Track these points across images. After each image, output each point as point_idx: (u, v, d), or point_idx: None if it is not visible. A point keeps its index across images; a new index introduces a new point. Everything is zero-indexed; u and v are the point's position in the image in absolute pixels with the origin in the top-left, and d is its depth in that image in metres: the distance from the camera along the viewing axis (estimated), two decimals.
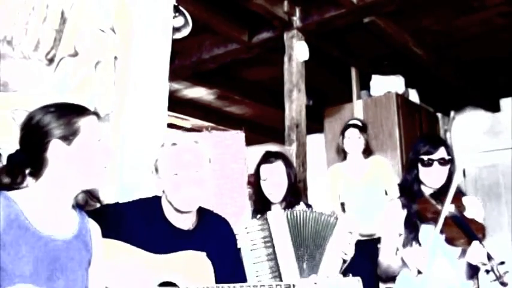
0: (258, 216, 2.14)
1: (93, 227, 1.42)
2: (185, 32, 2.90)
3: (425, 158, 2.01)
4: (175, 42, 2.41)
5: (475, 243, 1.83)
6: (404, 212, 2.05)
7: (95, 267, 1.39)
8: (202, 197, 1.62)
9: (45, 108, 1.33)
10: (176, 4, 2.54)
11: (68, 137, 1.30)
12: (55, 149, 1.29)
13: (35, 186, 1.31)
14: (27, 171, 1.32)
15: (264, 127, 6.48)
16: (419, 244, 1.93)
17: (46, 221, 1.28)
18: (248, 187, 3.76)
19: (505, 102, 5.89)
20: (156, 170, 1.63)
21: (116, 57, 2.03)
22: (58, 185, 1.30)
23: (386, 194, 3.42)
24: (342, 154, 3.50)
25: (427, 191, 2.05)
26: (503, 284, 1.77)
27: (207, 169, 1.63)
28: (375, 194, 3.37)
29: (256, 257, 1.89)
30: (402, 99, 4.83)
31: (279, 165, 2.31)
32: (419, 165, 2.03)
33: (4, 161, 1.54)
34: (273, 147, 2.62)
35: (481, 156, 5.78)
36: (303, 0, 3.73)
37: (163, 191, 1.63)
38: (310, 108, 4.41)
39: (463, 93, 5.45)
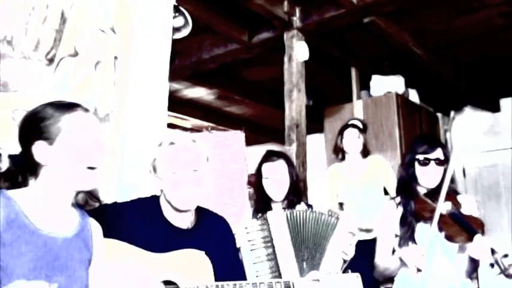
0: (258, 216, 2.14)
1: (94, 226, 1.42)
2: (185, 32, 2.91)
3: (422, 157, 2.02)
4: (175, 42, 2.41)
5: (478, 237, 1.82)
6: (400, 212, 2.05)
7: (95, 266, 1.39)
8: (201, 195, 1.62)
9: (32, 110, 1.34)
10: (176, 4, 2.54)
11: (50, 137, 1.29)
12: (38, 150, 1.29)
13: (34, 185, 1.31)
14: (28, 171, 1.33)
15: (264, 127, 6.48)
16: (416, 243, 1.93)
17: (46, 219, 1.28)
18: (248, 187, 3.77)
19: (505, 102, 5.89)
20: (154, 169, 1.63)
21: (116, 57, 2.03)
22: (51, 185, 1.30)
23: (385, 193, 3.42)
24: (340, 154, 3.51)
25: (421, 190, 2.06)
26: (509, 276, 1.75)
27: (205, 168, 1.64)
28: (374, 194, 3.38)
29: (256, 257, 1.89)
30: (402, 99, 4.83)
31: (281, 163, 2.31)
32: (416, 164, 2.04)
33: (4, 161, 1.54)
34: (273, 147, 2.62)
35: (481, 156, 5.78)
36: (303, 0, 3.73)
37: (162, 190, 1.63)
38: (310, 108, 4.41)
39: (463, 93, 5.45)
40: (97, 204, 1.81)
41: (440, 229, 1.91)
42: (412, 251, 1.85)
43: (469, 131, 5.84)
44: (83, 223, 1.38)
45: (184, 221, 1.64)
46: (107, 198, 1.84)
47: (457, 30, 4.14)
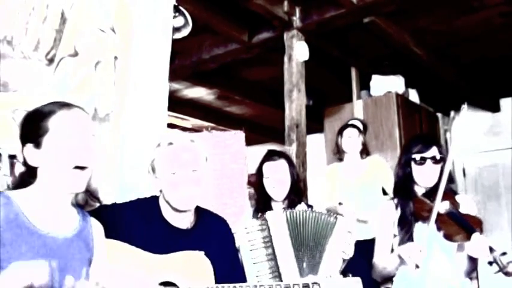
0: (258, 216, 2.14)
1: (96, 226, 1.42)
2: (185, 32, 2.90)
3: (417, 156, 2.02)
4: (175, 42, 2.41)
5: (476, 235, 1.82)
6: (398, 213, 2.05)
7: (97, 266, 1.39)
8: (200, 196, 1.62)
9: (25, 114, 1.35)
10: (176, 4, 2.54)
11: (37, 140, 1.29)
12: (27, 152, 1.30)
13: (33, 186, 1.32)
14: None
15: (264, 127, 6.48)
16: None
17: (45, 219, 1.28)
18: (248, 187, 3.76)
19: (505, 102, 5.89)
20: (153, 169, 1.63)
21: (116, 57, 2.03)
22: (45, 186, 1.30)
23: (384, 193, 3.42)
24: (339, 154, 3.51)
25: (419, 190, 2.06)
26: (507, 274, 1.75)
27: (204, 168, 1.63)
28: (372, 194, 3.38)
29: (255, 257, 1.89)
30: (402, 99, 4.83)
31: (283, 163, 2.30)
32: (412, 164, 2.04)
33: (4, 161, 1.55)
34: (273, 147, 2.62)
35: (481, 156, 5.78)
36: (303, 0, 3.73)
37: (161, 191, 1.63)
38: (310, 108, 4.41)
39: (463, 93, 5.45)
40: (97, 205, 1.81)
41: (439, 228, 1.91)
42: (410, 248, 1.86)
43: (469, 131, 5.84)
44: (84, 223, 1.39)
45: (183, 221, 1.64)
46: (106, 198, 1.85)
47: (457, 30, 4.14)
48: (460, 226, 1.89)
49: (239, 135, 3.89)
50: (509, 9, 3.76)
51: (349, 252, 1.89)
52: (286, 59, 3.79)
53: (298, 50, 3.74)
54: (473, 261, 1.91)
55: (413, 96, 5.16)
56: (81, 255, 1.33)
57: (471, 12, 3.84)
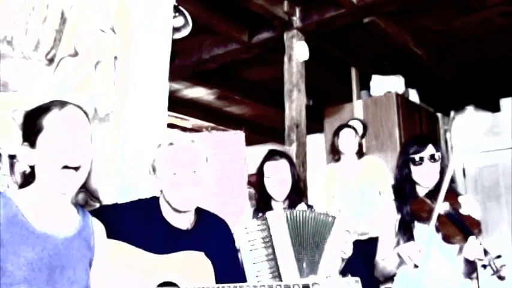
0: (258, 216, 2.14)
1: (97, 226, 1.42)
2: (185, 32, 2.91)
3: (415, 156, 2.02)
4: (175, 42, 2.40)
5: (471, 238, 1.83)
6: (399, 214, 2.05)
7: (98, 266, 1.39)
8: (200, 196, 1.62)
9: (25, 112, 1.35)
10: (176, 4, 2.54)
11: (31, 139, 1.28)
12: (22, 152, 1.30)
13: (32, 185, 1.32)
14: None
15: (264, 127, 6.49)
16: None
17: (45, 219, 1.28)
18: (248, 187, 3.76)
19: (505, 102, 5.88)
20: (154, 170, 1.63)
21: (116, 57, 2.03)
22: (43, 186, 1.30)
23: (380, 194, 3.43)
24: (335, 154, 3.52)
25: (421, 191, 2.06)
26: (500, 277, 1.77)
27: (204, 168, 1.63)
28: (369, 194, 3.39)
29: (255, 257, 1.89)
30: (402, 99, 4.84)
31: (284, 163, 2.30)
32: (411, 165, 2.04)
33: (4, 161, 1.55)
34: (273, 147, 2.61)
35: (481, 156, 5.77)
36: (303, 0, 3.74)
37: (161, 191, 1.63)
38: (310, 108, 4.42)
39: (463, 93, 5.45)
40: (97, 205, 1.81)
41: (438, 229, 1.91)
42: (410, 247, 1.86)
43: (469, 131, 5.84)
44: (84, 222, 1.38)
45: (183, 222, 1.64)
46: (106, 198, 1.84)
47: (457, 30, 4.15)
48: (458, 228, 1.89)
49: (239, 135, 3.89)
50: (509, 9, 3.76)
51: (348, 252, 1.89)
52: (286, 59, 3.79)
53: (298, 50, 3.74)
54: (472, 263, 1.91)
55: (413, 96, 5.16)
56: (81, 255, 1.33)
57: (471, 12, 3.84)
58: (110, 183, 1.90)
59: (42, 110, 1.31)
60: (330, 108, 5.12)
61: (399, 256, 1.90)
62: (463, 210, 1.97)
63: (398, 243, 2.00)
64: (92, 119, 1.39)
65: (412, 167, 2.04)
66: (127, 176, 1.97)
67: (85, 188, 1.77)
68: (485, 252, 1.81)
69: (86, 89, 1.89)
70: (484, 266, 1.81)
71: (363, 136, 4.58)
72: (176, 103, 5.45)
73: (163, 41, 2.28)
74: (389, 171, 3.91)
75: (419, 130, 5.06)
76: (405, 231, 2.00)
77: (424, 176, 2.03)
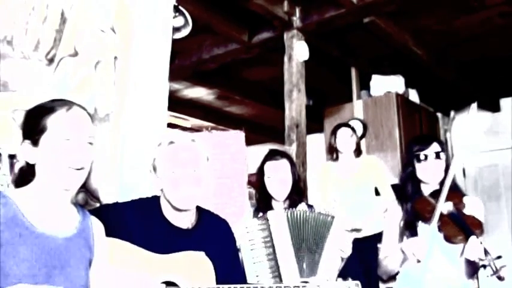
0: (259, 215, 2.14)
1: (96, 226, 1.42)
2: (185, 32, 2.91)
3: (419, 154, 2.02)
4: (175, 42, 2.40)
5: (472, 238, 1.83)
6: (404, 213, 2.06)
7: (97, 265, 1.39)
8: (200, 195, 1.62)
9: (26, 110, 1.35)
10: (176, 4, 2.54)
11: (34, 138, 1.29)
12: (24, 149, 1.30)
13: (31, 185, 1.32)
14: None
15: (264, 127, 6.48)
16: None
17: (45, 219, 1.28)
18: (248, 187, 3.76)
19: (505, 102, 5.89)
20: (154, 169, 1.63)
21: (116, 57, 2.03)
22: (44, 184, 1.30)
23: (377, 194, 3.44)
24: (333, 154, 3.52)
25: (426, 190, 2.06)
26: (500, 278, 1.77)
27: (204, 167, 1.64)
28: (366, 194, 3.40)
29: (256, 256, 1.89)
30: (402, 99, 4.84)
31: (285, 163, 2.30)
32: (415, 162, 2.04)
33: (4, 161, 1.55)
34: (273, 147, 2.61)
35: (481, 156, 5.78)
36: (303, 0, 3.73)
37: (162, 190, 1.63)
38: (310, 108, 4.42)
39: (463, 93, 5.45)
40: (97, 204, 1.81)
41: (440, 229, 1.91)
42: (413, 243, 1.87)
43: (469, 131, 5.83)
44: (84, 222, 1.38)
45: (184, 221, 1.64)
46: (107, 198, 1.84)
47: (457, 30, 4.14)
48: (460, 228, 1.89)
49: (239, 135, 3.89)
50: (509, 9, 3.76)
51: (347, 251, 1.89)
52: (286, 59, 3.79)
53: (298, 50, 3.74)
54: (473, 263, 1.91)
55: (413, 96, 5.16)
56: (81, 255, 1.33)
57: (471, 12, 3.84)
58: (110, 183, 1.90)
59: (46, 109, 1.31)
60: (330, 108, 5.13)
61: (403, 252, 1.90)
62: (467, 211, 1.97)
63: (403, 240, 2.00)
64: (92, 119, 1.39)
65: (417, 165, 2.04)
66: (127, 176, 1.97)
67: (85, 188, 1.77)
68: (486, 253, 1.81)
69: (86, 89, 1.89)
70: (484, 266, 1.82)
71: (362, 136, 4.60)
72: (176, 103, 5.45)
73: (163, 41, 2.28)
74: (388, 171, 3.93)
75: (419, 130, 5.06)
76: (409, 230, 2.00)
77: (429, 173, 2.02)
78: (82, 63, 1.90)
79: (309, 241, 1.90)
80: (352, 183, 3.41)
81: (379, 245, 2.20)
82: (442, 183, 1.99)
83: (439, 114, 5.86)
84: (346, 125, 3.57)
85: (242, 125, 4.16)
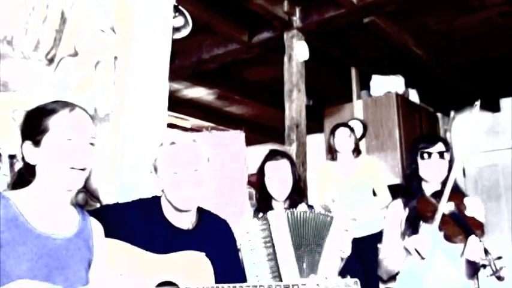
0: (259, 216, 2.14)
1: (96, 226, 1.42)
2: (185, 32, 2.91)
3: (423, 151, 2.03)
4: (175, 42, 2.40)
5: (472, 237, 1.83)
6: (406, 212, 2.05)
7: (97, 266, 1.39)
8: (201, 195, 1.62)
9: (27, 111, 1.35)
10: (176, 4, 2.54)
11: (36, 138, 1.29)
12: (26, 150, 1.30)
13: (31, 185, 1.32)
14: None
15: (264, 127, 6.49)
16: None
17: (45, 219, 1.28)
18: (248, 187, 3.77)
19: (505, 102, 5.89)
20: (155, 169, 1.63)
21: (116, 57, 2.03)
22: (44, 185, 1.31)
23: (374, 194, 3.44)
24: (332, 153, 3.53)
25: (428, 190, 2.06)
26: (499, 278, 1.78)
27: (206, 168, 1.64)
28: (364, 194, 3.40)
29: (256, 257, 1.89)
30: (402, 99, 4.84)
31: (285, 163, 2.30)
32: (419, 159, 2.04)
33: (4, 161, 1.54)
34: (273, 147, 2.61)
35: (481, 156, 5.78)
36: (303, 0, 3.74)
37: (163, 191, 1.63)
38: (310, 108, 4.42)
39: (463, 93, 5.45)
40: (97, 205, 1.81)
41: (440, 228, 1.91)
42: (417, 239, 1.87)
43: (469, 131, 5.83)
44: (84, 223, 1.38)
45: (185, 221, 1.64)
46: (107, 198, 1.84)
47: (457, 30, 4.15)
48: (461, 228, 1.89)
49: (239, 135, 3.89)
50: (509, 9, 3.76)
51: (347, 250, 1.89)
52: (286, 59, 3.79)
53: (298, 50, 3.74)
54: (473, 264, 1.91)
55: (413, 96, 5.16)
56: (81, 256, 1.33)
57: (471, 12, 3.84)
58: (110, 183, 1.90)
59: (48, 110, 1.32)
60: (330, 108, 5.13)
61: (406, 249, 1.90)
62: (468, 212, 1.97)
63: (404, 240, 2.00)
64: (92, 119, 1.40)
65: (420, 162, 2.04)
66: (127, 176, 1.97)
67: (85, 188, 1.77)
68: (486, 252, 1.82)
69: (86, 89, 1.89)
70: (484, 266, 1.82)
71: (362, 136, 4.60)
72: (176, 103, 5.45)
73: (163, 41, 2.28)
74: (386, 171, 3.94)
75: (419, 130, 5.06)
76: (412, 229, 2.00)
77: (431, 172, 2.02)
78: (82, 63, 1.90)
79: (309, 241, 1.90)
80: (351, 183, 3.42)
81: (379, 245, 2.20)
82: (443, 183, 1.99)
83: (439, 114, 5.86)
84: (345, 125, 3.58)
85: (242, 125, 4.17)
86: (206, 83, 5.24)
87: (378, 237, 2.21)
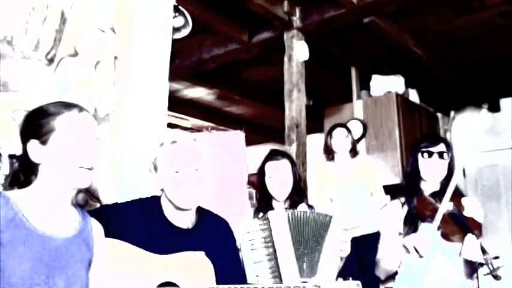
0: (260, 215, 2.14)
1: (96, 226, 1.42)
2: (185, 32, 2.91)
3: (424, 150, 2.04)
4: (175, 42, 2.40)
5: (469, 236, 1.84)
6: (405, 210, 2.06)
7: (97, 266, 1.39)
8: (202, 194, 1.62)
9: (31, 110, 1.36)
10: (176, 4, 2.54)
11: (43, 137, 1.30)
12: (31, 148, 1.31)
13: (33, 185, 1.32)
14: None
15: (264, 127, 6.48)
16: None
17: (45, 219, 1.28)
18: (248, 187, 3.77)
19: (505, 102, 5.89)
20: (155, 168, 1.63)
21: (116, 57, 2.03)
22: (48, 185, 1.31)
23: (372, 194, 3.44)
24: (329, 154, 3.53)
25: (427, 190, 2.06)
26: (496, 277, 1.78)
27: (206, 167, 1.64)
28: (362, 194, 3.40)
29: (256, 257, 1.89)
30: (402, 99, 4.84)
31: (285, 163, 2.30)
32: (419, 158, 2.04)
33: (4, 161, 1.54)
34: (273, 147, 2.61)
35: (481, 156, 5.78)
36: (303, 0, 3.74)
37: (163, 190, 1.63)
38: (310, 108, 4.42)
39: (463, 93, 5.45)
40: (97, 205, 1.81)
41: (438, 227, 1.91)
42: (416, 237, 1.87)
43: (469, 131, 5.84)
44: (84, 223, 1.38)
45: (184, 221, 1.64)
46: (107, 198, 1.84)
47: (457, 30, 4.14)
48: (459, 227, 1.90)
49: (239, 135, 3.88)
50: (509, 9, 3.76)
51: (346, 250, 1.90)
52: (286, 59, 3.79)
53: (298, 50, 3.74)
54: (472, 263, 1.91)
55: (413, 96, 5.16)
56: (81, 256, 1.33)
57: (471, 12, 3.84)
58: (110, 183, 1.90)
59: (54, 110, 1.33)
60: (330, 108, 5.13)
61: (405, 247, 1.91)
62: (466, 212, 1.97)
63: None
64: None
65: (420, 161, 2.05)
66: (127, 176, 1.97)
67: (85, 188, 1.77)
68: (484, 251, 1.82)
69: (86, 89, 1.89)
70: (481, 265, 1.82)
71: (362, 136, 4.61)
72: (176, 103, 5.45)
73: (163, 41, 2.28)
74: (385, 171, 3.94)
75: (419, 130, 5.07)
76: (411, 227, 2.00)
77: (430, 171, 2.03)
78: (82, 63, 1.90)
79: (309, 241, 1.90)
80: (348, 183, 3.43)
81: (378, 245, 2.20)
82: (442, 184, 1.99)
83: (439, 114, 5.86)
84: (342, 125, 3.59)
85: (242, 125, 4.16)
86: (206, 83, 5.24)
87: (377, 236, 2.21)
